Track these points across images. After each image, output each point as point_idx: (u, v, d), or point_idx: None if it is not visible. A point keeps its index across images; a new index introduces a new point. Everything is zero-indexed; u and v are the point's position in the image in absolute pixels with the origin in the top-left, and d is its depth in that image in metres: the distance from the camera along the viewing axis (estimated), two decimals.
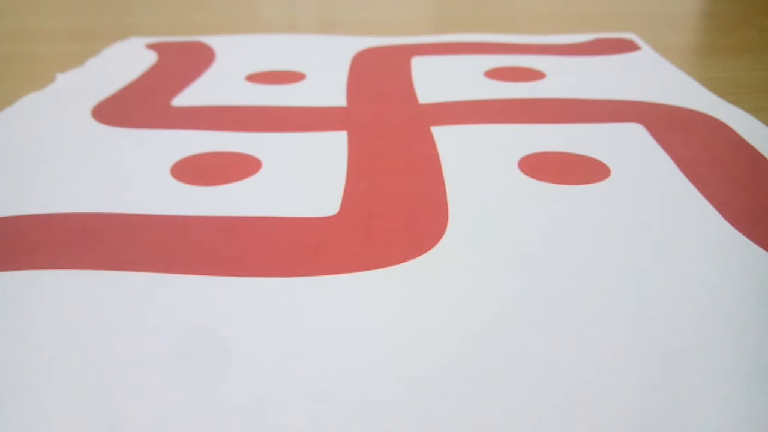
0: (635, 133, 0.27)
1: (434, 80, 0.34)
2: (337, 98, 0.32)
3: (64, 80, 0.35)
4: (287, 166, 0.25)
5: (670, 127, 0.28)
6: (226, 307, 0.17)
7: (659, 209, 0.21)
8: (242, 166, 0.25)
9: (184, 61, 0.38)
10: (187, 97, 0.32)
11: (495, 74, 0.35)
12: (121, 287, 0.18)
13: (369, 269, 0.18)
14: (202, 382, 0.15)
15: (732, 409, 0.14)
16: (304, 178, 0.24)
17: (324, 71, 0.36)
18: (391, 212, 0.21)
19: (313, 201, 0.22)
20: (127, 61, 0.38)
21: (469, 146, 0.26)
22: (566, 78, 0.34)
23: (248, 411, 0.14)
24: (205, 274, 0.18)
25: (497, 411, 0.14)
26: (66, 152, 0.26)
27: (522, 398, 0.14)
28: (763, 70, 0.37)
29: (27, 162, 0.25)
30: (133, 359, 0.15)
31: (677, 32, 0.45)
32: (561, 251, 0.19)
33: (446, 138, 0.27)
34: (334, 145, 0.26)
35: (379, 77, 0.35)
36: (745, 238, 0.20)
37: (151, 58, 0.39)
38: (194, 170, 0.24)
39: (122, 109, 0.30)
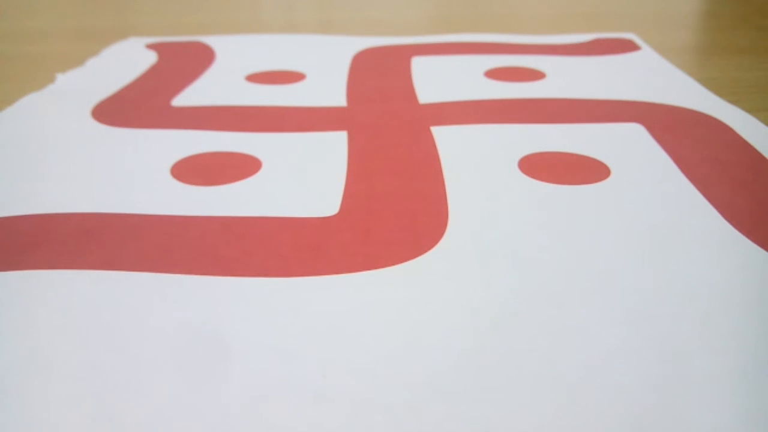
0: (635, 133, 0.27)
1: (434, 80, 0.34)
2: (337, 98, 0.32)
3: (64, 80, 0.35)
4: (287, 166, 0.25)
5: (670, 127, 0.28)
6: (226, 307, 0.17)
7: (659, 209, 0.21)
8: (242, 166, 0.25)
9: (184, 61, 0.38)
10: (187, 97, 0.32)
11: (495, 74, 0.35)
12: (121, 287, 0.18)
13: (369, 269, 0.18)
14: (202, 382, 0.15)
15: (732, 409, 0.14)
16: (304, 178, 0.24)
17: (324, 71, 0.36)
18: (391, 212, 0.21)
19: (313, 201, 0.22)
20: (127, 61, 0.38)
21: (469, 146, 0.26)
22: (566, 78, 0.34)
23: (248, 411, 0.14)
24: (205, 274, 0.18)
25: (497, 411, 0.14)
26: (66, 152, 0.26)
27: (522, 398, 0.14)
28: (763, 70, 0.37)
29: (27, 162, 0.25)
30: (133, 359, 0.15)
31: (677, 32, 0.45)
32: (561, 251, 0.19)
33: (446, 138, 0.27)
34: (334, 145, 0.26)
35: (379, 77, 0.35)
36: (745, 238, 0.20)
37: (151, 58, 0.39)
38: (194, 170, 0.24)
39: (122, 109, 0.30)
